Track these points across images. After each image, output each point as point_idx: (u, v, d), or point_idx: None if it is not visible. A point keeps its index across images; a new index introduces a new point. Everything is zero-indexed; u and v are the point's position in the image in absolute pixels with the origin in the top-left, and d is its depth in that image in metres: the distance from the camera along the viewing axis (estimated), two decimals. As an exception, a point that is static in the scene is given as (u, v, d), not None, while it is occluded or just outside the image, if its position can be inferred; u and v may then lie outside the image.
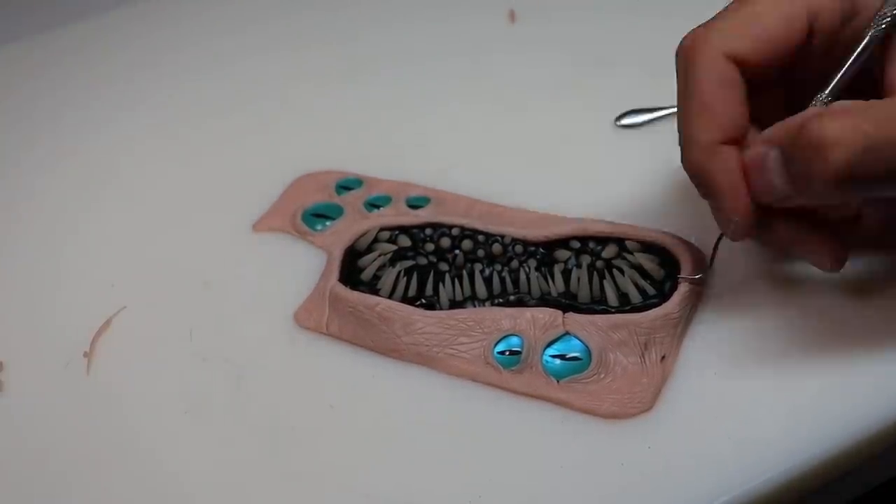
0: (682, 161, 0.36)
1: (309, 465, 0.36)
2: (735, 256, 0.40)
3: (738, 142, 0.35)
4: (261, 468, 0.36)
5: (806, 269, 0.39)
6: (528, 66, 0.55)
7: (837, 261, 0.36)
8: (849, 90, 0.35)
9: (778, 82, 0.37)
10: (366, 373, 0.38)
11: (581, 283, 0.39)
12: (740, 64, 0.35)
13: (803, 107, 0.35)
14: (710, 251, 0.39)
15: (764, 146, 0.34)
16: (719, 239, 0.38)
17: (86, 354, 0.41)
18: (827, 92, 0.35)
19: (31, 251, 0.47)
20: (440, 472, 0.35)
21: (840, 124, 0.31)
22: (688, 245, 0.40)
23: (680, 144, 0.36)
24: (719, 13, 0.36)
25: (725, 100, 0.35)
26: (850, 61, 0.35)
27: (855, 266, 0.39)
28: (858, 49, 0.35)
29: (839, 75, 0.35)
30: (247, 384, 0.39)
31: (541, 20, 0.59)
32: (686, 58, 0.36)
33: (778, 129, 0.33)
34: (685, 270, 0.38)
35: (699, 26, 0.36)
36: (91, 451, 0.37)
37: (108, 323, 0.42)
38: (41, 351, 0.41)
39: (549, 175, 0.47)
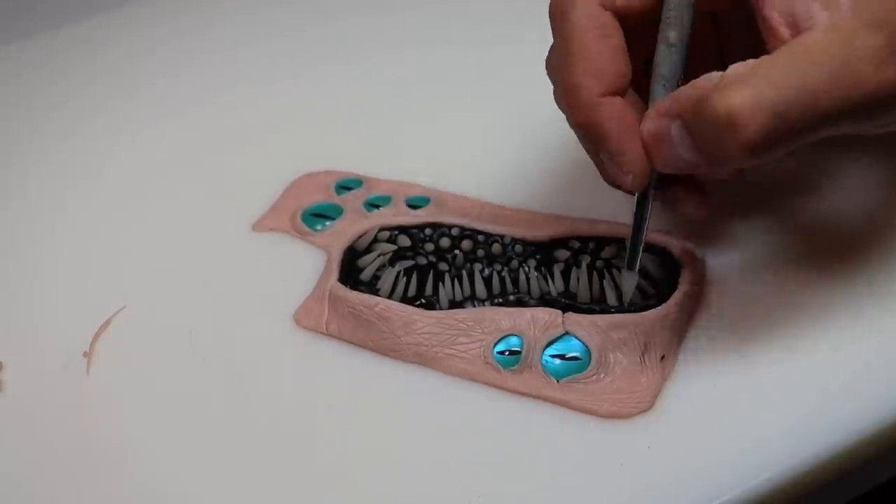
0: (566, 116, 0.35)
1: (308, 465, 0.36)
2: (735, 256, 0.40)
3: (621, 92, 0.35)
4: (260, 468, 0.36)
5: (806, 269, 0.39)
6: (528, 65, 0.55)
7: (703, 206, 0.37)
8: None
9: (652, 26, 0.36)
10: (365, 373, 0.38)
11: (581, 282, 0.39)
12: (616, 11, 0.35)
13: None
14: (710, 250, 0.39)
15: (664, 119, 0.33)
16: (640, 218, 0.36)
17: (85, 354, 0.41)
18: (672, 30, 0.34)
19: (31, 251, 0.47)
20: (439, 472, 0.35)
21: (742, 96, 0.30)
22: (688, 245, 0.40)
23: (557, 100, 0.36)
24: None
25: (606, 50, 0.34)
26: None
27: (856, 266, 0.39)
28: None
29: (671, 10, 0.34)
30: (246, 384, 0.39)
31: (541, 20, 0.59)
32: (560, 11, 0.35)
33: (676, 102, 0.33)
34: (685, 271, 0.38)
35: None
36: (91, 451, 0.37)
37: (107, 323, 0.42)
38: (41, 351, 0.41)
39: (550, 175, 0.47)
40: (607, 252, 0.40)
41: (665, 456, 0.34)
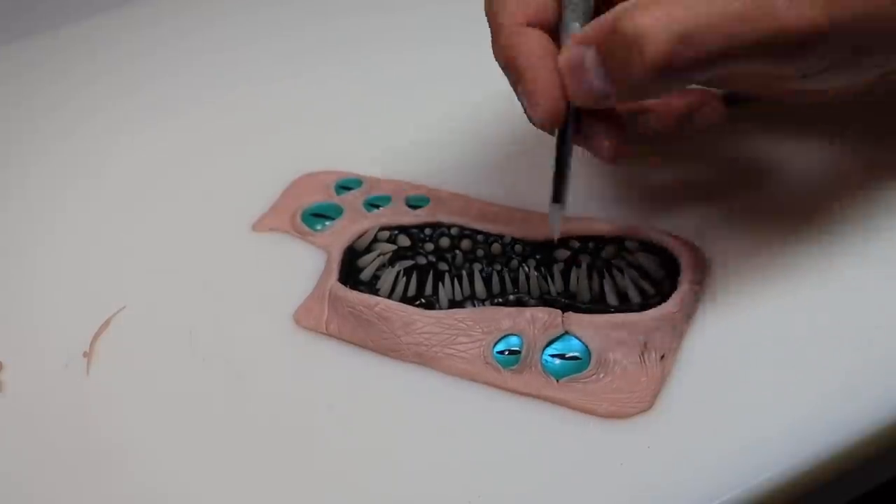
0: (493, 48, 0.36)
1: (308, 465, 0.36)
2: (735, 256, 0.40)
3: (544, 27, 0.35)
4: (260, 468, 0.36)
5: (806, 269, 0.39)
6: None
7: (615, 154, 0.36)
8: None
9: None
10: (365, 373, 0.38)
11: (581, 282, 0.39)
12: None
13: None
14: (710, 250, 0.39)
15: (580, 47, 0.33)
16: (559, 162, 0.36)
17: (85, 354, 0.41)
18: None
19: (31, 251, 0.47)
20: (439, 472, 0.35)
21: (651, 17, 0.30)
22: (688, 245, 0.40)
23: (491, 31, 0.36)
24: None
25: None
26: None
27: (856, 266, 0.39)
28: None
29: None
30: (246, 384, 0.39)
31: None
32: None
33: (592, 28, 0.33)
34: (685, 270, 0.38)
35: None
36: (91, 451, 0.37)
37: (107, 323, 0.42)
38: (41, 351, 0.41)
39: (549, 175, 0.47)
40: (607, 252, 0.40)
41: (665, 456, 0.34)
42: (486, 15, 0.36)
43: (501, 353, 0.37)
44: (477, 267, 0.40)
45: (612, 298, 0.38)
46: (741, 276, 0.39)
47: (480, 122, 0.51)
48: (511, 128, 0.51)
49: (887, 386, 0.35)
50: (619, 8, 0.32)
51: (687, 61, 0.31)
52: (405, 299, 0.40)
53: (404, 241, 0.42)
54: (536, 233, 0.41)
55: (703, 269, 0.39)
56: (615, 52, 0.32)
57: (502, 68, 0.35)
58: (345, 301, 0.40)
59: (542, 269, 0.40)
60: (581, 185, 0.45)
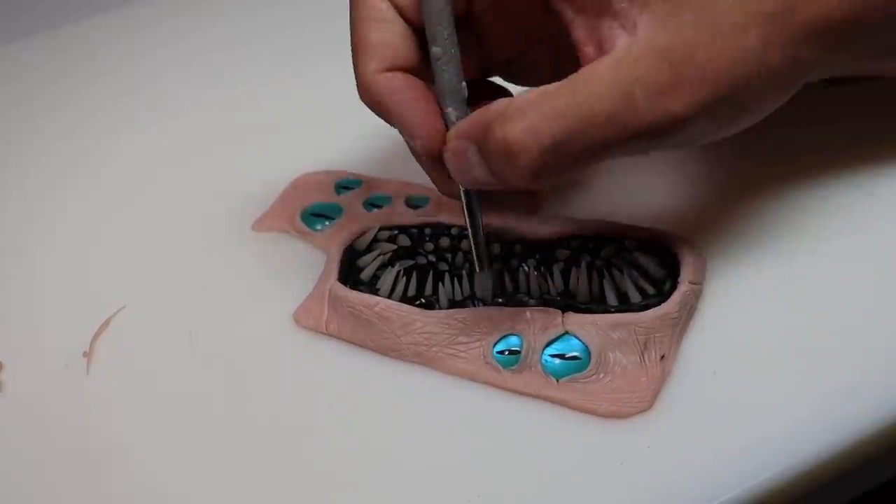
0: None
1: (308, 465, 0.36)
2: (735, 256, 0.40)
3: (404, 69, 0.36)
4: (260, 468, 0.36)
5: (806, 269, 0.39)
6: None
7: (535, 206, 0.38)
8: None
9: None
10: (365, 373, 0.38)
11: (580, 282, 0.39)
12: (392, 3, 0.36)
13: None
14: (710, 250, 0.39)
15: (462, 141, 0.34)
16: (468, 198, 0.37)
17: (85, 354, 0.41)
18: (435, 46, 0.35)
19: (31, 251, 0.47)
20: (439, 472, 0.35)
21: (521, 128, 0.31)
22: (688, 244, 0.40)
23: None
24: None
25: (382, 34, 0.36)
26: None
27: (857, 265, 0.39)
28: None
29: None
30: (246, 384, 0.39)
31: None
32: (349, 6, 0.37)
33: (470, 126, 0.34)
34: (685, 270, 0.38)
35: None
36: (91, 451, 0.37)
37: (107, 323, 0.42)
38: (41, 351, 0.41)
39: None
40: (607, 252, 0.40)
41: (665, 456, 0.34)
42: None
43: (501, 353, 0.37)
44: (477, 267, 0.40)
45: (612, 298, 0.38)
46: (741, 276, 0.39)
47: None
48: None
49: (887, 386, 0.35)
50: (494, 109, 0.33)
51: (560, 166, 0.32)
52: (405, 299, 0.40)
53: (404, 241, 0.42)
54: (537, 232, 0.41)
55: (703, 269, 0.39)
56: (491, 157, 0.33)
57: (373, 111, 0.37)
58: (345, 301, 0.40)
59: (542, 269, 0.40)
60: (581, 186, 0.45)
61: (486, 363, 0.37)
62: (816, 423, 0.34)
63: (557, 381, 0.36)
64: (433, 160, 0.36)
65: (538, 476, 0.34)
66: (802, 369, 0.36)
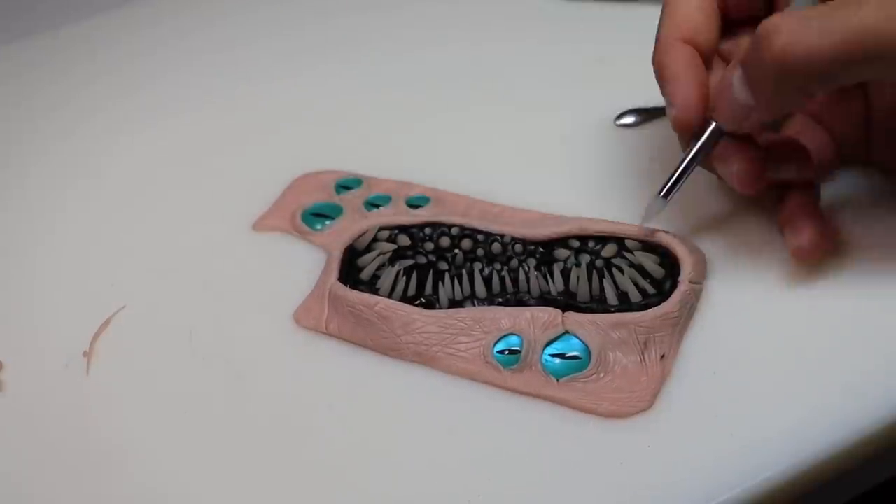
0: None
1: (308, 465, 0.36)
2: (735, 256, 0.40)
3: (700, 45, 0.39)
4: (260, 468, 0.36)
5: (806, 269, 0.39)
6: (527, 65, 0.55)
7: (749, 181, 0.38)
8: None
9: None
10: (365, 372, 0.38)
11: (581, 282, 0.39)
12: None
13: None
14: (710, 250, 0.39)
15: (730, 69, 0.36)
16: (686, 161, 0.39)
17: (85, 354, 0.41)
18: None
19: (31, 251, 0.47)
20: (439, 472, 0.35)
21: (788, 17, 0.33)
22: (688, 244, 0.40)
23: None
24: None
25: (694, 8, 0.39)
26: None
27: (857, 266, 0.39)
28: None
29: None
30: (246, 384, 0.39)
31: (540, 20, 0.59)
32: None
33: (741, 49, 0.35)
34: (685, 270, 0.38)
35: None
36: (91, 451, 0.37)
37: (107, 323, 0.42)
38: (41, 351, 0.41)
39: (549, 175, 0.47)
40: (607, 251, 0.40)
41: (665, 455, 0.34)
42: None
43: (501, 352, 0.37)
44: (477, 266, 0.40)
45: (612, 298, 0.38)
46: (741, 276, 0.39)
47: (481, 121, 0.51)
48: (512, 128, 0.51)
49: (887, 386, 0.35)
50: (763, 24, 0.34)
51: (815, 62, 0.33)
52: (405, 299, 0.40)
53: (404, 240, 0.42)
54: (537, 232, 0.41)
55: (703, 269, 0.39)
56: (752, 55, 0.34)
57: (655, 74, 0.39)
58: (345, 300, 0.40)
59: (542, 269, 0.40)
60: (581, 186, 0.46)
61: (486, 363, 0.37)
62: (816, 423, 0.34)
63: (557, 380, 0.36)
64: (681, 131, 0.39)
65: (538, 476, 0.34)
66: (802, 369, 0.36)
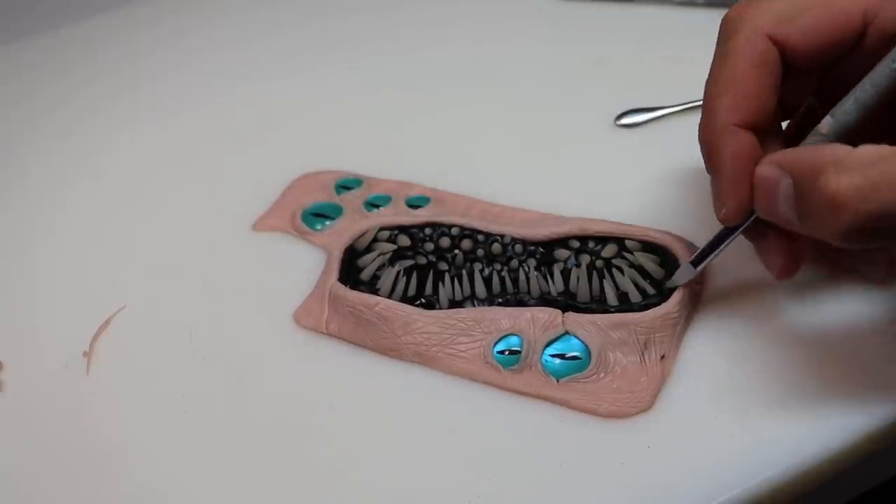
0: (698, 129, 0.35)
1: (308, 465, 0.36)
2: (735, 256, 0.40)
3: (758, 126, 0.34)
4: (260, 467, 0.36)
5: (806, 269, 0.39)
6: (527, 64, 0.55)
7: (784, 271, 0.35)
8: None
9: (814, 71, 0.36)
10: (365, 372, 0.38)
11: (581, 282, 0.39)
12: (781, 48, 0.34)
13: (832, 102, 0.33)
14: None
15: (777, 170, 0.32)
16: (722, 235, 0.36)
17: (85, 354, 0.41)
18: (832, 119, 0.33)
19: (31, 251, 0.47)
20: (439, 472, 0.35)
21: (854, 184, 0.29)
22: (688, 244, 0.40)
23: (703, 113, 0.35)
24: None
25: (756, 82, 0.34)
26: (865, 88, 0.33)
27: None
28: (875, 78, 0.33)
29: (849, 101, 0.33)
30: (246, 384, 0.39)
31: (540, 20, 0.59)
32: (727, 28, 0.35)
33: (794, 160, 0.32)
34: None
35: (747, 0, 0.35)
36: (91, 451, 0.37)
37: (107, 323, 0.42)
38: (41, 351, 0.41)
39: (549, 175, 0.47)
40: (607, 252, 0.40)
41: (665, 456, 0.34)
42: (706, 86, 0.35)
43: (501, 352, 0.37)
44: (477, 267, 0.40)
45: (612, 298, 0.38)
46: (741, 277, 0.39)
47: (480, 121, 0.51)
48: (512, 128, 0.51)
49: (887, 386, 0.35)
50: (827, 153, 0.30)
51: (877, 235, 0.30)
52: (405, 299, 0.40)
53: (404, 240, 0.42)
54: (537, 233, 0.41)
55: (703, 270, 0.39)
56: (810, 202, 0.31)
57: (702, 151, 0.35)
58: (345, 301, 0.40)
59: (543, 269, 0.40)
60: (581, 186, 0.46)
61: (486, 363, 0.37)
62: (816, 423, 0.34)
63: (557, 380, 0.36)
64: (725, 223, 0.35)
65: (538, 476, 0.34)
66: (802, 369, 0.36)
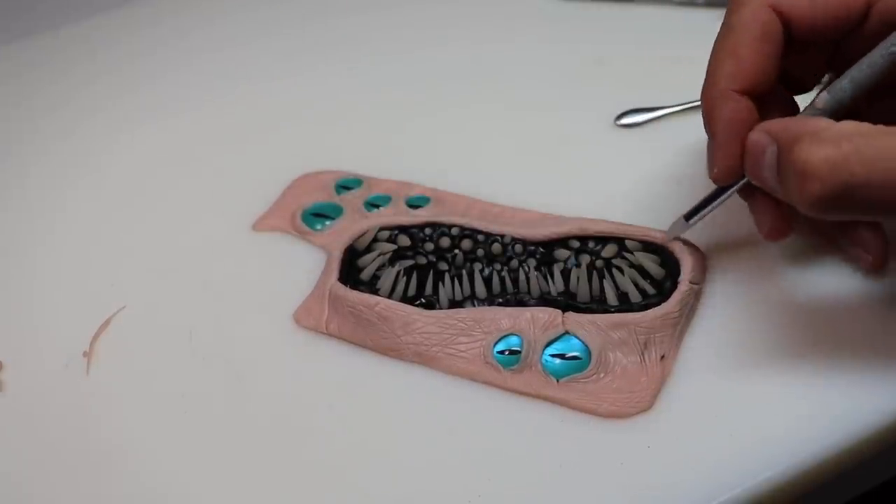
0: (700, 93, 0.36)
1: (308, 465, 0.36)
2: (735, 257, 0.40)
3: (758, 94, 0.35)
4: (260, 467, 0.36)
5: (805, 269, 0.39)
6: (527, 64, 0.55)
7: (774, 232, 0.36)
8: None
9: (822, 48, 0.37)
10: (365, 372, 0.38)
11: (581, 282, 0.39)
12: (786, 21, 0.35)
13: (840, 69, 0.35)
14: (710, 250, 0.39)
15: (765, 136, 0.34)
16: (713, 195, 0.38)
17: (85, 354, 0.41)
18: (827, 94, 0.34)
19: (31, 251, 0.47)
20: (439, 472, 0.35)
21: (826, 156, 0.30)
22: (688, 244, 0.40)
23: (705, 79, 0.36)
24: None
25: (757, 52, 0.35)
26: (861, 68, 0.34)
27: (856, 266, 0.39)
28: (872, 59, 0.34)
29: (845, 79, 0.34)
30: (246, 384, 0.39)
31: (539, 20, 0.59)
32: (734, 2, 0.36)
33: (780, 128, 0.33)
34: (685, 270, 0.38)
35: None
36: (91, 451, 0.37)
37: (107, 323, 0.42)
38: (41, 351, 0.41)
39: (549, 175, 0.47)
40: (607, 252, 0.40)
41: (665, 456, 0.34)
42: (711, 55, 0.37)
43: (501, 352, 0.37)
44: (477, 267, 0.40)
45: (612, 298, 0.38)
46: (741, 277, 0.39)
47: (480, 121, 0.51)
48: (511, 128, 0.51)
49: (887, 386, 0.35)
50: (809, 125, 0.32)
51: (844, 208, 0.31)
52: (405, 299, 0.40)
53: (404, 240, 0.42)
54: (537, 233, 0.41)
55: (703, 269, 0.39)
56: (786, 169, 0.32)
57: (702, 115, 0.36)
58: (345, 301, 0.40)
59: (543, 269, 0.40)
60: (581, 186, 0.46)
61: (486, 363, 0.37)
62: (816, 423, 0.34)
63: (557, 380, 0.36)
64: (716, 182, 0.37)
65: (538, 476, 0.34)
66: (802, 369, 0.36)
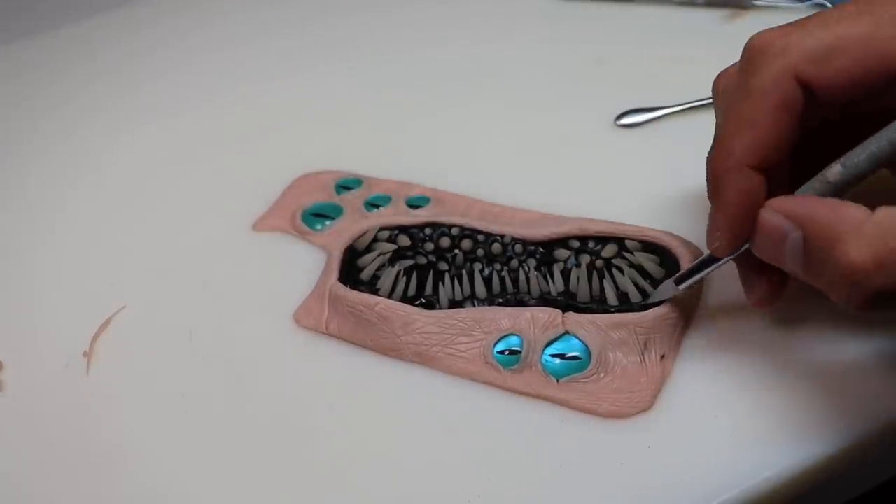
0: (707, 156, 0.34)
1: (308, 465, 0.36)
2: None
3: (769, 167, 0.33)
4: (260, 467, 0.36)
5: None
6: (528, 65, 0.55)
7: (764, 302, 0.35)
8: None
9: (833, 107, 0.34)
10: (365, 372, 0.38)
11: (581, 282, 0.39)
12: (807, 88, 0.32)
13: (842, 131, 0.32)
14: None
15: (785, 220, 0.31)
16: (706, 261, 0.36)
17: (85, 354, 0.41)
18: (842, 168, 0.32)
19: (31, 251, 0.47)
20: (439, 472, 0.35)
21: (875, 256, 0.28)
22: (688, 244, 0.40)
23: (714, 139, 0.34)
24: (803, 21, 0.33)
25: (777, 126, 0.32)
26: (881, 144, 0.31)
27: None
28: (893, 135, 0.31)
29: (866, 153, 0.31)
30: (246, 384, 0.39)
31: (539, 20, 0.59)
32: (754, 58, 0.33)
33: (807, 217, 0.31)
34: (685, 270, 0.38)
35: (777, 28, 0.33)
36: (91, 451, 0.37)
37: (107, 323, 0.42)
38: (41, 351, 0.41)
39: (549, 175, 0.47)
40: (607, 252, 0.40)
41: (665, 456, 0.34)
42: (718, 110, 0.34)
43: (501, 352, 0.37)
44: (477, 267, 0.40)
45: (612, 298, 0.38)
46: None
47: (480, 121, 0.51)
48: (511, 128, 0.51)
49: (887, 386, 0.35)
50: (846, 215, 0.29)
51: (889, 305, 0.29)
52: (405, 299, 0.40)
53: (404, 240, 0.42)
54: (537, 233, 0.41)
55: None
56: (824, 266, 0.30)
57: (707, 178, 0.34)
58: (345, 301, 0.40)
59: (543, 269, 0.40)
60: (581, 186, 0.46)
61: (486, 363, 0.37)
62: (816, 423, 0.34)
63: (557, 380, 0.36)
64: (716, 255, 0.35)
65: (538, 476, 0.34)
66: (802, 369, 0.36)
